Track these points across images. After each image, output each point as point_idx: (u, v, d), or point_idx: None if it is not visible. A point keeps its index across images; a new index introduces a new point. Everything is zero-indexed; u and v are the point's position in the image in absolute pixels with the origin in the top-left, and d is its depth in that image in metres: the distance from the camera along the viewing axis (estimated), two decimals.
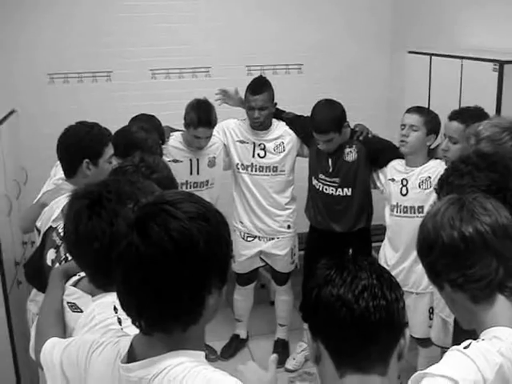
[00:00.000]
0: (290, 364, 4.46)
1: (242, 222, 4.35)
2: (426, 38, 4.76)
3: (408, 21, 5.16)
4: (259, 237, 4.35)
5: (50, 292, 1.98)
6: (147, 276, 1.27)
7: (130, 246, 1.28)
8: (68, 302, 1.89)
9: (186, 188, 4.12)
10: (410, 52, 4.43)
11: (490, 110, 3.28)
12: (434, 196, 3.34)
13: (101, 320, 1.63)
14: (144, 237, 1.27)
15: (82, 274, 1.96)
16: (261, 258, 4.45)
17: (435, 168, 3.51)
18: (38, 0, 4.74)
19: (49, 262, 2.39)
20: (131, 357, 1.38)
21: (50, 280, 2.01)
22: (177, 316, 1.30)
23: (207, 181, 4.22)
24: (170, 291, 1.27)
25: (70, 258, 2.20)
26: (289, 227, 4.35)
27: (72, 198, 1.75)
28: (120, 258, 1.32)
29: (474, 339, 1.57)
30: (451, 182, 2.09)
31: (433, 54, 4.10)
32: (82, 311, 1.82)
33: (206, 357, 4.25)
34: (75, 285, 1.94)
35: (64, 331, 1.83)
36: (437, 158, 3.57)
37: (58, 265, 2.28)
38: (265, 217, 4.29)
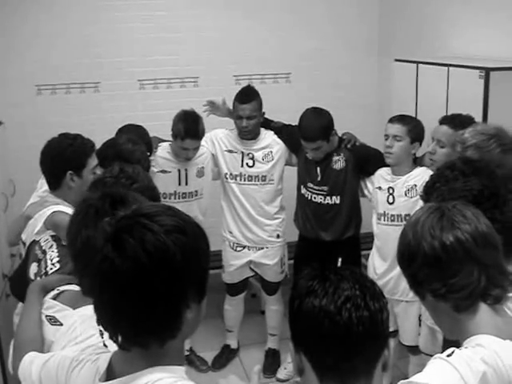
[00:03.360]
0: (281, 374, 4.45)
1: (231, 232, 4.34)
2: (412, 46, 4.79)
3: (394, 29, 5.19)
4: (248, 246, 4.33)
5: (28, 306, 1.96)
6: (122, 290, 1.25)
7: (106, 260, 1.26)
8: (47, 316, 1.87)
9: (175, 199, 4.11)
10: (396, 60, 4.44)
11: (477, 117, 3.29)
12: (421, 203, 3.34)
13: (82, 331, 1.61)
14: (119, 250, 1.25)
15: (62, 288, 1.95)
16: (250, 268, 4.44)
17: (421, 176, 3.50)
18: (27, 12, 4.74)
19: (31, 276, 2.38)
20: (110, 374, 1.36)
21: (28, 294, 2.00)
22: (153, 331, 1.29)
23: (196, 191, 4.21)
24: (145, 305, 1.25)
25: (50, 272, 2.19)
26: (278, 236, 4.34)
27: (86, 199, 1.74)
28: (96, 271, 1.30)
29: (458, 347, 1.56)
30: (438, 188, 2.08)
31: (419, 62, 4.11)
32: (61, 324, 1.80)
33: (198, 368, 4.23)
34: (55, 299, 1.92)
35: (42, 345, 1.81)
36: (422, 166, 3.57)
37: (39, 279, 2.26)
38: (254, 226, 4.28)
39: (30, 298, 1.97)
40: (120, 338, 1.30)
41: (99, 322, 1.34)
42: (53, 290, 1.97)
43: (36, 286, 2.02)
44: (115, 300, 1.27)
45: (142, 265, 1.24)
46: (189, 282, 1.30)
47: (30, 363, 1.59)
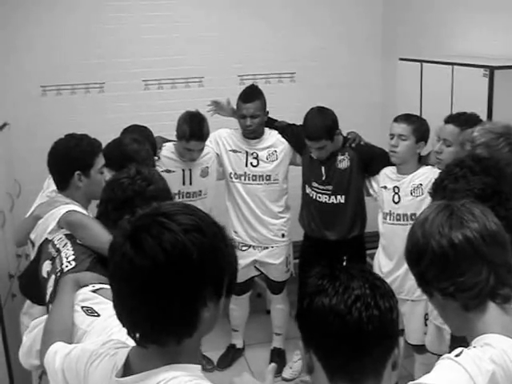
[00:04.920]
0: (286, 373, 4.45)
1: (236, 232, 4.34)
2: (416, 45, 4.78)
3: (398, 28, 5.19)
4: (253, 246, 4.34)
5: (60, 298, 1.97)
6: (140, 288, 1.27)
7: (124, 258, 1.27)
8: (83, 307, 1.90)
9: (179, 198, 4.11)
10: (400, 59, 4.44)
11: (482, 115, 3.28)
12: (426, 203, 3.34)
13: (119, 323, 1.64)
14: (137, 248, 1.26)
15: (98, 286, 1.98)
16: (256, 267, 4.44)
17: (426, 175, 3.51)
18: (30, 12, 4.75)
19: (44, 274, 2.39)
20: (127, 370, 1.37)
21: (62, 287, 2.02)
22: (170, 329, 1.30)
23: (200, 191, 4.22)
24: (162, 303, 1.26)
25: (65, 269, 2.20)
26: (283, 236, 4.35)
27: None
28: (114, 268, 1.32)
29: (466, 346, 1.55)
30: (445, 185, 2.08)
31: (423, 61, 4.12)
32: (99, 315, 1.84)
33: (203, 367, 4.26)
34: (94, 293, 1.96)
35: (72, 336, 1.83)
36: (428, 165, 3.58)
37: (53, 277, 2.27)
38: (259, 226, 4.29)
39: (63, 290, 1.99)
40: (138, 335, 1.32)
41: (118, 319, 1.36)
42: (86, 285, 1.99)
43: (70, 279, 2.04)
44: (133, 297, 1.28)
45: (159, 263, 1.25)
46: (206, 281, 1.30)
47: (55, 353, 1.61)
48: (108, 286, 1.98)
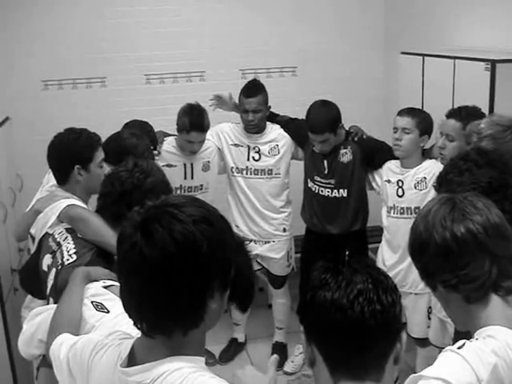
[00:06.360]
0: (288, 367, 4.46)
1: (237, 226, 4.33)
2: (418, 39, 4.77)
3: (400, 22, 5.18)
4: (255, 240, 4.34)
5: (69, 290, 1.97)
6: (149, 277, 1.28)
7: (134, 247, 1.28)
8: (93, 302, 1.90)
9: (181, 192, 4.11)
10: (402, 53, 4.43)
11: (483, 109, 3.28)
12: (430, 196, 3.34)
13: (127, 322, 1.65)
14: (148, 238, 1.28)
15: (108, 282, 1.98)
16: (257, 262, 4.44)
17: (430, 168, 3.52)
18: (32, 7, 4.74)
19: (45, 268, 2.39)
20: (131, 360, 1.38)
21: (72, 279, 2.01)
22: (177, 319, 1.31)
23: (201, 185, 4.22)
24: (171, 293, 1.28)
25: (66, 263, 2.21)
26: (284, 230, 4.35)
27: None
28: (123, 258, 1.33)
29: (469, 339, 1.55)
30: (450, 179, 2.08)
31: (425, 55, 4.10)
32: (108, 311, 1.84)
33: (205, 361, 4.23)
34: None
35: (79, 329, 1.84)
36: (431, 158, 3.57)
37: (54, 270, 2.28)
38: (260, 220, 4.29)
39: (73, 282, 1.99)
40: (144, 325, 1.33)
41: (124, 309, 1.37)
42: (96, 280, 2.00)
43: (80, 272, 2.04)
44: (142, 287, 1.30)
45: (169, 253, 1.26)
46: (214, 272, 1.32)
47: (61, 344, 1.63)
48: (118, 284, 1.98)
